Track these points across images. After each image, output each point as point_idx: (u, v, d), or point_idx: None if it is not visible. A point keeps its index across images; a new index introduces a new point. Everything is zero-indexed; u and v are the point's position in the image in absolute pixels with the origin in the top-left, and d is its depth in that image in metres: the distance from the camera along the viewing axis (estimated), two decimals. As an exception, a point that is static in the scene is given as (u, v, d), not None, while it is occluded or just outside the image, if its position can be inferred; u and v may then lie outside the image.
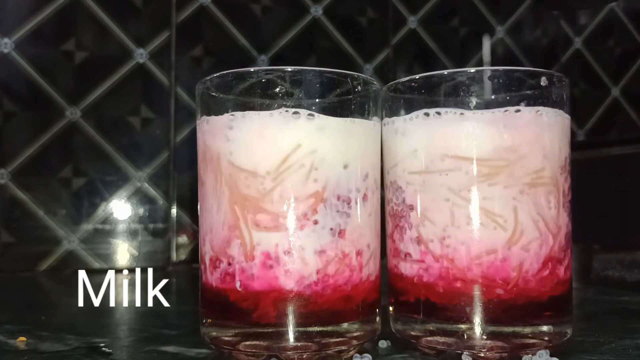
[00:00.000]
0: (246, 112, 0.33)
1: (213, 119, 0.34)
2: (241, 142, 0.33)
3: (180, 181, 0.80)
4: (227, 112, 0.33)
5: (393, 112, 0.36)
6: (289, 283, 0.32)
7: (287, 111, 0.32)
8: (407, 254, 0.35)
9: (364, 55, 0.90)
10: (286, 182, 0.32)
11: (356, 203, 0.34)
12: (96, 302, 0.47)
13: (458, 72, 0.34)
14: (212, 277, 0.34)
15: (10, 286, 0.66)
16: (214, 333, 0.34)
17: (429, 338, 0.34)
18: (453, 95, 0.33)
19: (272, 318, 0.32)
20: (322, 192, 0.32)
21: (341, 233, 0.33)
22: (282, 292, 0.32)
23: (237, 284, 0.32)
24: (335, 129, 0.33)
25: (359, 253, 0.34)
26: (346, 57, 0.89)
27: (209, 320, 0.35)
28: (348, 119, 0.34)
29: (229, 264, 0.33)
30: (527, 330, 0.33)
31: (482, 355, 0.32)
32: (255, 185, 0.32)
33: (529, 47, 1.00)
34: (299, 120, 0.32)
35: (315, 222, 0.32)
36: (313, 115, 0.32)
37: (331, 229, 0.32)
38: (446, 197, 0.33)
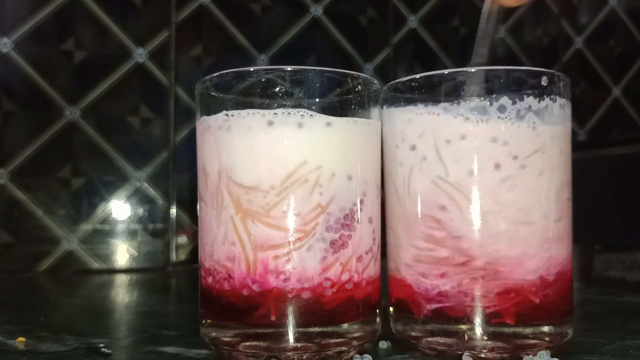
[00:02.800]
0: (245, 116, 0.32)
1: (212, 119, 0.34)
2: (243, 156, 0.32)
3: (180, 181, 0.79)
4: (227, 112, 0.33)
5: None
6: (289, 286, 0.32)
7: (289, 114, 0.32)
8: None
9: (364, 54, 0.90)
10: (290, 197, 0.32)
11: (358, 211, 0.33)
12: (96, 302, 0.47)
13: (458, 71, 0.34)
14: (212, 281, 0.34)
15: (9, 286, 0.65)
16: (214, 334, 0.34)
17: (429, 339, 0.34)
18: (453, 95, 0.33)
19: (272, 319, 0.32)
20: (326, 206, 0.32)
21: (343, 244, 0.33)
22: (282, 295, 0.32)
23: (237, 288, 0.32)
24: (339, 137, 0.33)
25: (359, 258, 0.33)
26: (346, 56, 0.88)
27: (208, 321, 0.35)
28: (350, 122, 0.33)
29: (230, 276, 0.33)
30: (528, 330, 0.33)
31: (483, 355, 0.32)
32: (257, 200, 0.32)
33: (529, 46, 1.00)
34: (302, 130, 0.32)
35: (317, 235, 0.32)
36: (317, 124, 0.32)
37: (333, 240, 0.32)
38: (447, 204, 0.33)
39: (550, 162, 0.33)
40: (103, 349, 0.34)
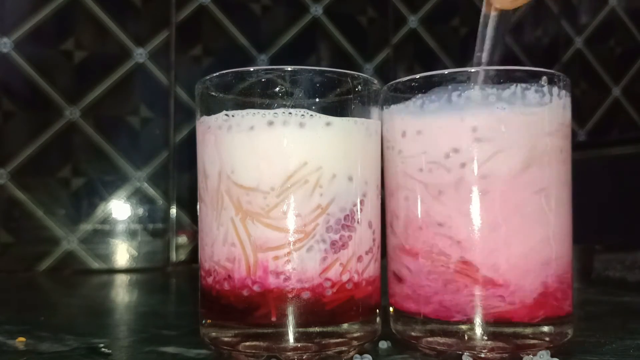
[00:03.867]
0: (245, 116, 0.32)
1: (212, 120, 0.34)
2: (243, 157, 0.32)
3: (180, 181, 0.79)
4: (227, 112, 0.33)
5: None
6: (289, 287, 0.32)
7: (289, 114, 0.32)
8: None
9: (364, 54, 0.90)
10: (291, 198, 0.32)
11: (358, 212, 0.33)
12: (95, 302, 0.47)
13: (458, 71, 0.34)
14: (212, 282, 0.34)
15: (9, 286, 0.65)
16: (214, 334, 0.34)
17: (429, 339, 0.34)
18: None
19: (272, 319, 0.32)
20: (326, 207, 0.32)
21: (344, 244, 0.33)
22: (282, 295, 0.32)
23: (237, 289, 0.32)
24: (339, 137, 0.33)
25: (359, 258, 0.33)
26: (346, 56, 0.88)
27: (208, 321, 0.35)
28: (350, 122, 0.33)
29: (230, 276, 0.33)
30: (528, 330, 0.33)
31: (483, 355, 0.32)
32: (257, 201, 0.32)
33: (529, 46, 1.00)
34: (302, 130, 0.32)
35: (318, 235, 0.32)
36: (317, 124, 0.32)
37: (333, 241, 0.32)
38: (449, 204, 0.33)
39: (550, 162, 0.33)
40: (103, 349, 0.34)
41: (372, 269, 0.34)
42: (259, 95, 0.33)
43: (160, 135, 0.79)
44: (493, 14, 0.35)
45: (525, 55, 0.99)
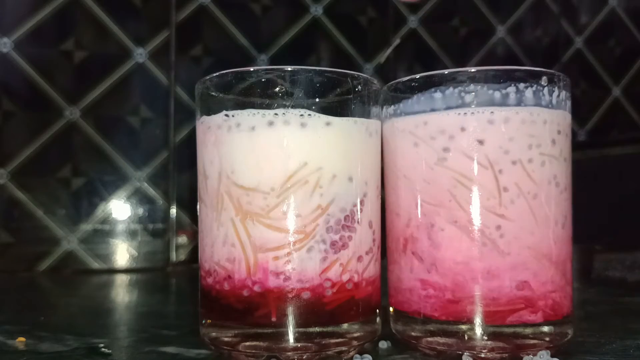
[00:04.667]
0: (245, 116, 0.32)
1: (212, 120, 0.34)
2: (243, 157, 0.32)
3: (180, 181, 0.79)
4: (227, 112, 0.33)
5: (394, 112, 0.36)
6: (289, 287, 0.32)
7: (289, 114, 0.32)
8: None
9: (364, 54, 0.90)
10: (291, 198, 0.32)
11: (359, 212, 0.33)
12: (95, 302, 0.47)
13: (459, 71, 0.34)
14: (212, 282, 0.34)
15: (9, 286, 0.65)
16: (214, 334, 0.34)
17: (429, 339, 0.34)
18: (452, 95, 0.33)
19: (273, 319, 0.32)
20: (327, 207, 0.32)
21: (344, 245, 0.33)
22: (282, 295, 0.32)
23: (237, 289, 0.32)
24: (339, 137, 0.33)
25: (359, 258, 0.33)
26: (346, 56, 0.88)
27: (208, 321, 0.35)
28: (350, 122, 0.33)
29: (230, 276, 0.33)
30: (528, 330, 0.33)
31: (483, 355, 0.32)
32: (257, 201, 0.32)
33: (529, 46, 1.00)
34: (302, 130, 0.32)
35: (318, 236, 0.32)
36: (317, 123, 0.32)
37: (333, 241, 0.32)
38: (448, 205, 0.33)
39: (550, 162, 0.33)
40: (103, 349, 0.34)
41: (372, 269, 0.34)
42: (259, 95, 0.33)
43: (160, 135, 0.79)
44: None
45: (525, 55, 0.99)
